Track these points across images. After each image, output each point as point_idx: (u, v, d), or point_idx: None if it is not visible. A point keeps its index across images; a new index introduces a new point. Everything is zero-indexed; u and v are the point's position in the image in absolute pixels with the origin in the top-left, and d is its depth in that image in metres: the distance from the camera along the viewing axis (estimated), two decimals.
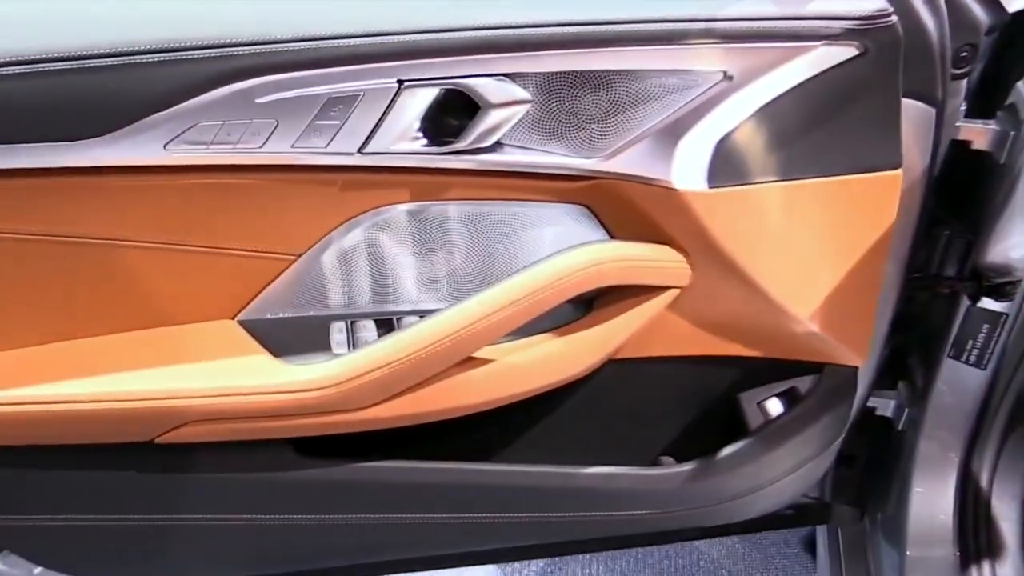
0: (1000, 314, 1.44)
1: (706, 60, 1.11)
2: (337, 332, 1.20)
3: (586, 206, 1.21)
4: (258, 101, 1.05)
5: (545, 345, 1.22)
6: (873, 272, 1.31)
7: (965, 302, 1.46)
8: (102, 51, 1.00)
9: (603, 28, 1.09)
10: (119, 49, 1.01)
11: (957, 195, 1.42)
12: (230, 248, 1.15)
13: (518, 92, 1.10)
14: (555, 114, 1.14)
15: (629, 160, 1.16)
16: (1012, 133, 1.32)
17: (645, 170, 1.16)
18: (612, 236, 1.23)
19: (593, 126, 1.15)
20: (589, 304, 1.27)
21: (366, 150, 1.10)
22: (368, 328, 1.21)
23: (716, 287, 1.26)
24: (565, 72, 1.12)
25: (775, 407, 1.41)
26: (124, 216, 1.11)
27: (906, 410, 1.62)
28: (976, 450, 1.55)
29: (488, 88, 1.09)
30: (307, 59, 1.04)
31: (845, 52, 1.13)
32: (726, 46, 1.11)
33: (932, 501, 1.58)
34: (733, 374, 1.41)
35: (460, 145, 1.12)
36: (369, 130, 1.09)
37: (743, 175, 1.18)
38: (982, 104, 1.39)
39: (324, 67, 1.05)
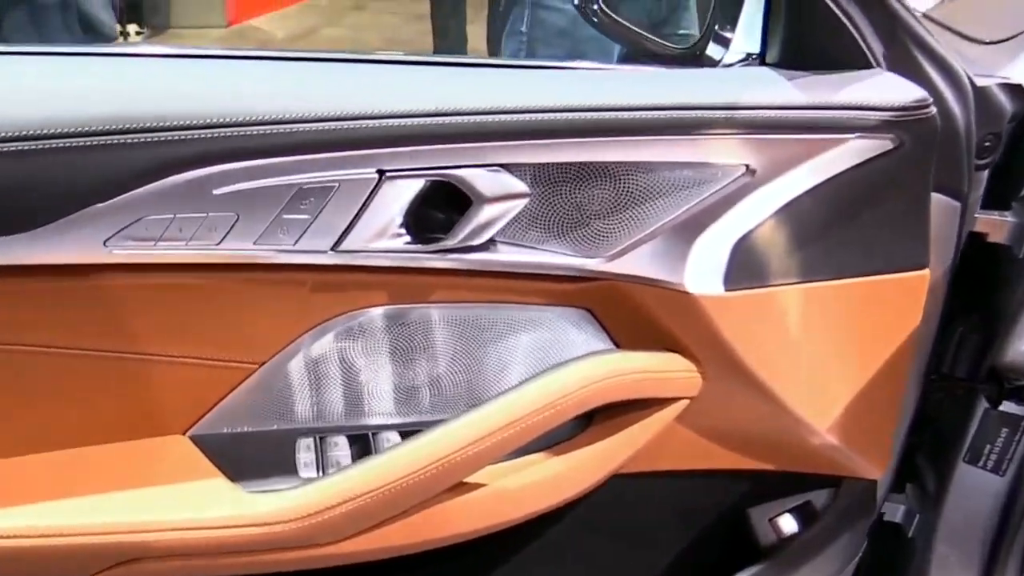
0: (1021, 418, 1.28)
1: (727, 152, 0.96)
2: (304, 450, 1.01)
3: (588, 310, 1.05)
4: (216, 192, 0.87)
5: (542, 465, 1.04)
6: (895, 379, 1.16)
7: (982, 403, 1.30)
8: (28, 132, 0.83)
9: (611, 116, 0.93)
10: (49, 130, 0.83)
11: (971, 289, 1.27)
12: (181, 356, 0.97)
13: (515, 185, 0.94)
14: (556, 209, 0.98)
15: (637, 261, 1.00)
16: None
17: (655, 272, 1.00)
18: (615, 343, 1.06)
19: (598, 223, 0.98)
20: (589, 415, 1.09)
21: (341, 248, 0.93)
22: (340, 445, 1.02)
23: (728, 397, 1.10)
24: (567, 164, 0.95)
25: (788, 524, 1.24)
26: (57, 320, 0.92)
27: (917, 516, 1.45)
28: (996, 564, 1.37)
29: (481, 180, 0.92)
30: (273, 145, 0.87)
31: (879, 145, 0.98)
32: (749, 137, 0.95)
33: None
34: (743, 488, 1.24)
35: (448, 243, 0.95)
36: (344, 226, 0.92)
37: (762, 277, 1.02)
38: (997, 194, 1.25)
39: (293, 154, 0.88)
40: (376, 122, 0.89)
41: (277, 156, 0.88)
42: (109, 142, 0.84)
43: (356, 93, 0.93)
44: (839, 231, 1.04)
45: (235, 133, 0.87)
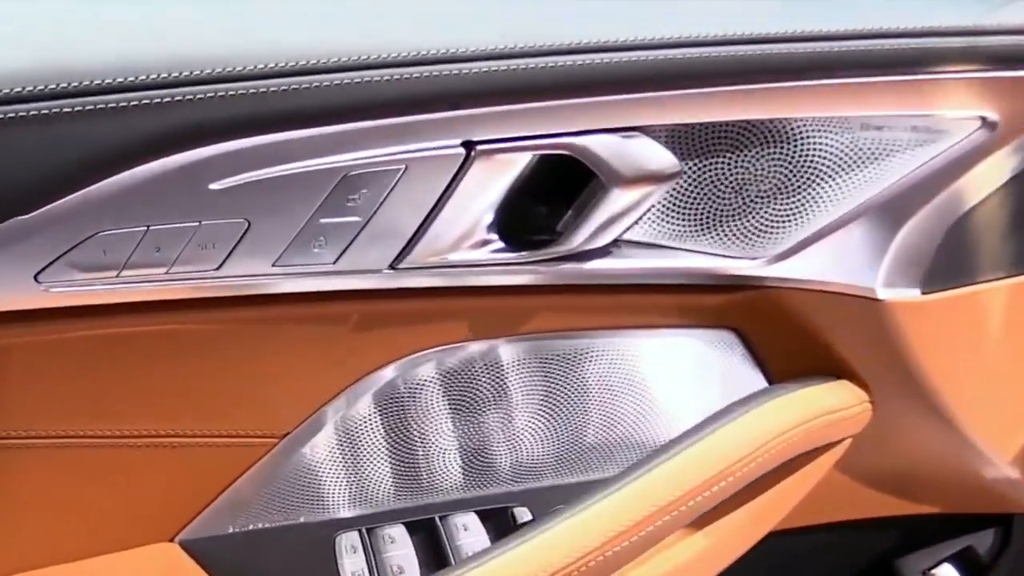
0: None
1: (958, 100, 0.65)
2: (349, 552, 0.68)
3: (734, 330, 0.73)
4: (213, 187, 0.53)
5: (702, 534, 0.73)
6: None
7: None
8: None
9: (797, 50, 0.60)
10: None
11: None
12: (166, 435, 0.63)
13: (661, 156, 0.61)
14: (707, 191, 0.66)
15: (815, 260, 0.69)
16: None
17: (839, 274, 0.69)
18: (767, 374, 0.75)
19: (764, 209, 0.67)
20: None
21: (404, 264, 0.60)
22: (397, 541, 0.70)
23: (897, 430, 0.81)
24: (729, 123, 0.63)
25: None
26: None
27: None
28: None
29: (614, 150, 0.60)
30: (301, 108, 0.53)
31: None
32: (991, 75, 0.64)
33: None
34: (892, 537, 0.95)
35: (562, 247, 0.62)
36: (412, 230, 0.59)
37: (966, 273, 0.73)
38: None
39: (333, 121, 0.54)
40: (461, 67, 0.56)
41: (308, 126, 0.54)
42: (31, 112, 0.49)
43: (424, 24, 0.59)
44: None
45: (240, 91, 0.53)
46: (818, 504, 0.85)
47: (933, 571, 0.96)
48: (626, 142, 0.61)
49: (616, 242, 0.66)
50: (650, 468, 0.65)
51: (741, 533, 0.79)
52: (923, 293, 0.72)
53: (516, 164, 0.60)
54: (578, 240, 0.63)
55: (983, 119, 0.66)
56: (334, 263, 0.59)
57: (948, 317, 0.75)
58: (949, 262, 0.72)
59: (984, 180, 0.68)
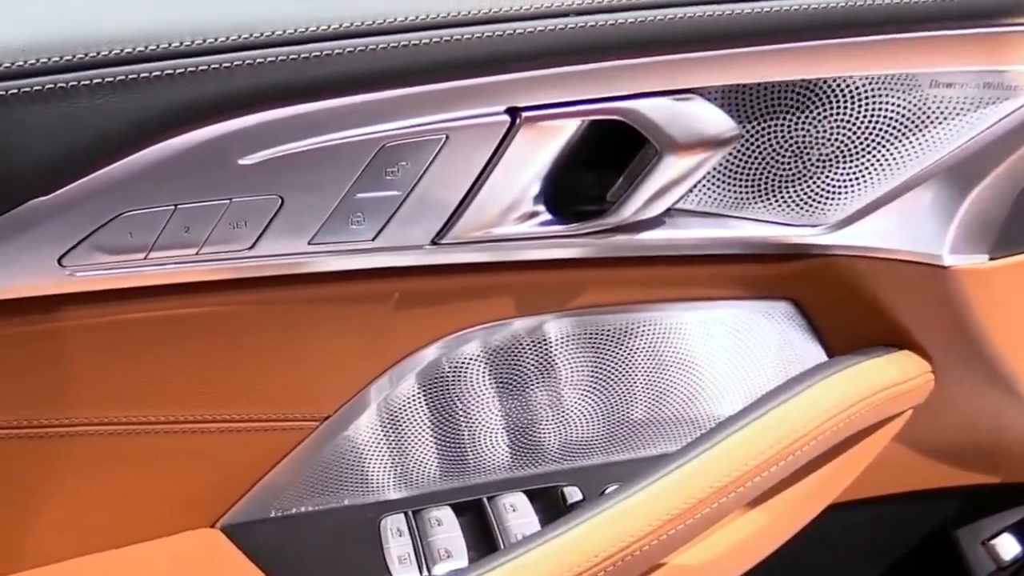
0: None
1: None
2: (395, 535, 0.65)
3: (793, 300, 0.67)
4: (243, 162, 0.49)
5: (764, 508, 0.68)
6: None
7: None
8: None
9: (859, 1, 0.54)
10: None
11: None
12: (204, 420, 0.59)
13: (718, 120, 0.56)
14: (765, 157, 0.60)
15: (879, 226, 0.63)
16: None
17: (904, 240, 0.63)
18: (827, 346, 0.70)
19: (825, 174, 0.61)
20: None
21: (447, 238, 0.55)
22: (445, 523, 0.65)
23: (959, 400, 0.75)
24: (789, 84, 0.57)
25: (1009, 547, 0.89)
26: (8, 388, 0.54)
27: None
28: None
29: (668, 114, 0.54)
30: (335, 74, 0.49)
31: None
32: None
33: None
34: (949, 507, 0.90)
35: (613, 218, 0.57)
36: (456, 203, 0.54)
37: None
38: None
39: (368, 89, 0.49)
40: (504, 27, 0.50)
41: (341, 94, 0.49)
42: (46, 86, 0.45)
43: None
44: None
45: (267, 58, 0.48)
46: (877, 477, 0.80)
47: (992, 541, 0.90)
48: (681, 105, 0.55)
49: (669, 211, 0.60)
50: (710, 446, 0.60)
51: (800, 508, 0.74)
52: (991, 259, 0.66)
53: (564, 131, 0.54)
54: (630, 210, 0.58)
55: None
56: (373, 239, 0.54)
57: (1016, 284, 0.69)
58: (1019, 227, 0.66)
59: None
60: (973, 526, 0.91)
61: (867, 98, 0.59)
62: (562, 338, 0.65)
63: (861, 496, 0.82)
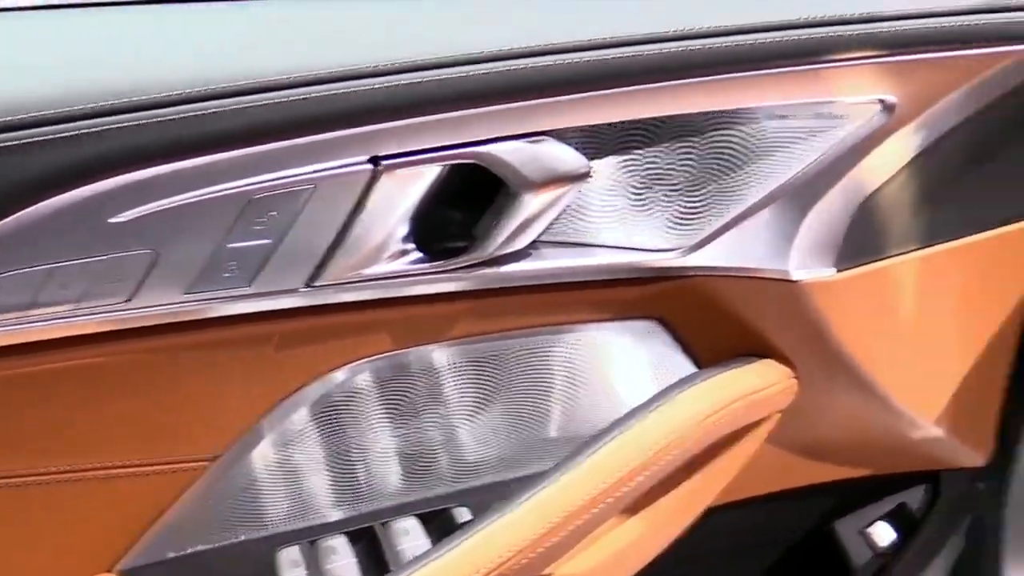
0: None
1: (857, 84, 0.64)
2: (290, 567, 0.66)
3: (657, 319, 0.72)
4: (115, 220, 0.51)
5: (638, 519, 0.72)
6: (1005, 348, 0.88)
7: None
8: None
9: (701, 46, 0.59)
10: None
11: None
12: (94, 468, 0.60)
13: (570, 159, 0.59)
14: (621, 188, 0.64)
15: (731, 247, 0.68)
16: None
17: (753, 259, 0.68)
18: (694, 358, 0.74)
19: (678, 202, 0.65)
20: None
21: (320, 281, 0.58)
22: (340, 551, 0.68)
23: (824, 402, 0.81)
24: (638, 122, 0.62)
25: (884, 534, 0.95)
26: None
27: (980, 485, 1.19)
28: None
29: (522, 156, 0.58)
30: (201, 134, 0.51)
31: None
32: (888, 61, 0.63)
33: None
34: (827, 502, 0.95)
35: (477, 253, 0.61)
36: (325, 247, 0.56)
37: (878, 248, 0.72)
38: None
39: (236, 145, 0.52)
40: (363, 83, 0.53)
41: (208, 152, 0.52)
42: None
43: (322, 41, 0.56)
44: (972, 178, 0.74)
45: (137, 121, 0.50)
46: (753, 477, 0.85)
47: (868, 529, 0.96)
48: (533, 147, 0.59)
49: (534, 244, 0.64)
50: (579, 461, 0.64)
51: (678, 513, 0.78)
52: (838, 271, 0.71)
53: (425, 176, 0.57)
54: (494, 246, 0.61)
55: (882, 102, 0.65)
56: (248, 286, 0.57)
57: (863, 291, 0.74)
58: (860, 240, 0.71)
59: (886, 160, 0.68)
60: (850, 517, 0.97)
61: (710, 132, 0.64)
62: (444, 367, 0.68)
63: (740, 497, 0.87)
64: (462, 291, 0.64)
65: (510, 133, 0.58)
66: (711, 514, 0.84)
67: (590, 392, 0.74)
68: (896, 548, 0.95)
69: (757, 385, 0.73)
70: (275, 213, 0.55)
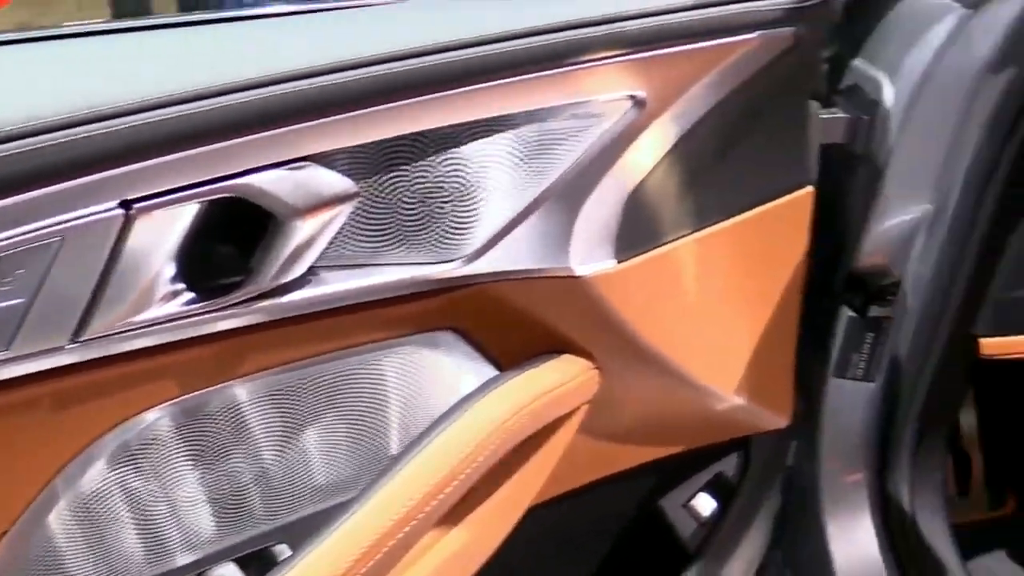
0: (883, 319, 1.11)
1: (606, 82, 0.67)
2: None
3: (452, 329, 0.73)
4: None
5: (455, 532, 0.73)
6: (789, 313, 0.94)
7: (844, 313, 1.12)
8: None
9: (445, 60, 0.61)
10: None
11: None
12: None
13: (333, 182, 0.60)
14: (391, 206, 0.65)
15: (509, 251, 0.70)
16: (866, 117, 0.99)
17: (533, 260, 0.70)
18: (495, 361, 0.76)
19: (451, 213, 0.67)
20: None
21: (86, 335, 0.55)
22: None
23: (628, 387, 0.84)
24: (396, 139, 0.63)
25: (706, 504, 0.99)
26: None
27: (793, 443, 1.26)
28: (888, 469, 1.21)
29: (283, 185, 0.58)
30: None
31: (779, 43, 0.72)
32: (633, 58, 0.66)
33: (851, 537, 1.23)
34: (650, 481, 0.98)
35: (251, 288, 0.60)
36: (85, 301, 0.54)
37: (655, 236, 0.76)
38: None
39: None
40: (105, 125, 0.52)
41: None
42: None
43: (59, 82, 0.54)
44: (732, 160, 0.79)
45: None
46: (573, 468, 0.87)
47: (691, 503, 1.00)
48: (295, 174, 0.59)
49: (313, 270, 0.64)
50: (385, 481, 0.64)
51: (501, 516, 0.79)
52: (618, 262, 0.74)
53: (183, 215, 0.56)
54: (268, 277, 0.60)
55: (632, 98, 0.68)
56: (8, 349, 0.54)
57: (645, 278, 0.78)
58: (635, 230, 0.74)
59: (646, 153, 0.71)
60: (673, 493, 1.00)
61: (473, 140, 0.66)
62: (240, 405, 0.67)
63: (564, 489, 0.89)
64: (245, 326, 0.63)
65: (269, 162, 0.57)
66: (539, 510, 0.86)
67: (398, 410, 0.74)
68: (717, 516, 1.00)
69: (557, 381, 0.75)
70: (23, 271, 0.52)
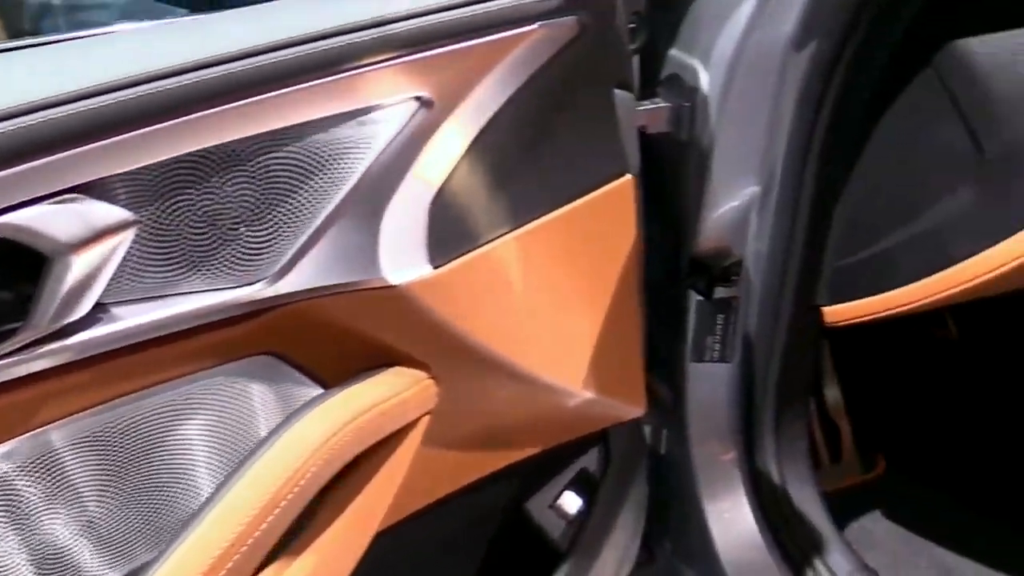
0: (731, 299, 1.13)
1: (390, 86, 0.66)
2: None
3: (270, 353, 0.70)
4: None
5: (295, 567, 0.70)
6: (629, 302, 0.95)
7: (693, 298, 1.14)
8: None
9: (215, 74, 0.59)
10: None
11: (650, 187, 1.10)
12: None
13: (108, 213, 0.57)
14: (179, 231, 0.62)
15: (315, 267, 0.68)
16: (687, 105, 1.02)
17: (343, 273, 0.69)
18: (320, 382, 0.73)
19: (246, 233, 0.64)
20: None
21: None
22: None
23: (470, 393, 0.83)
24: (173, 160, 0.60)
25: (572, 503, 0.99)
26: None
27: (664, 431, 1.28)
28: (755, 447, 1.24)
29: (52, 221, 0.55)
30: None
31: (563, 33, 0.73)
32: (414, 58, 0.65)
33: (729, 517, 1.25)
34: (513, 486, 0.97)
35: (31, 332, 0.57)
36: None
37: (470, 237, 0.76)
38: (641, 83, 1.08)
39: None
40: None
41: None
42: None
43: None
44: (542, 154, 0.79)
45: None
46: (427, 482, 0.86)
47: (557, 502, 0.99)
48: (62, 208, 0.56)
49: (101, 306, 0.61)
50: (201, 518, 0.61)
51: (350, 540, 0.76)
52: (435, 268, 0.73)
53: None
54: (47, 319, 0.57)
55: (419, 99, 0.67)
56: None
57: (469, 281, 0.77)
58: (448, 234, 0.73)
59: (443, 153, 0.70)
60: (538, 495, 1.00)
61: (258, 156, 0.64)
62: (47, 453, 0.63)
63: (421, 505, 0.87)
64: (33, 373, 0.59)
65: (30, 197, 0.54)
66: (399, 529, 0.84)
67: (220, 443, 0.71)
68: (584, 512, 0.99)
69: (385, 394, 0.74)
70: None
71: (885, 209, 1.06)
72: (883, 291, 1.05)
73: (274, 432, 0.66)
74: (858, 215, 1.09)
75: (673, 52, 1.08)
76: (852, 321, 1.11)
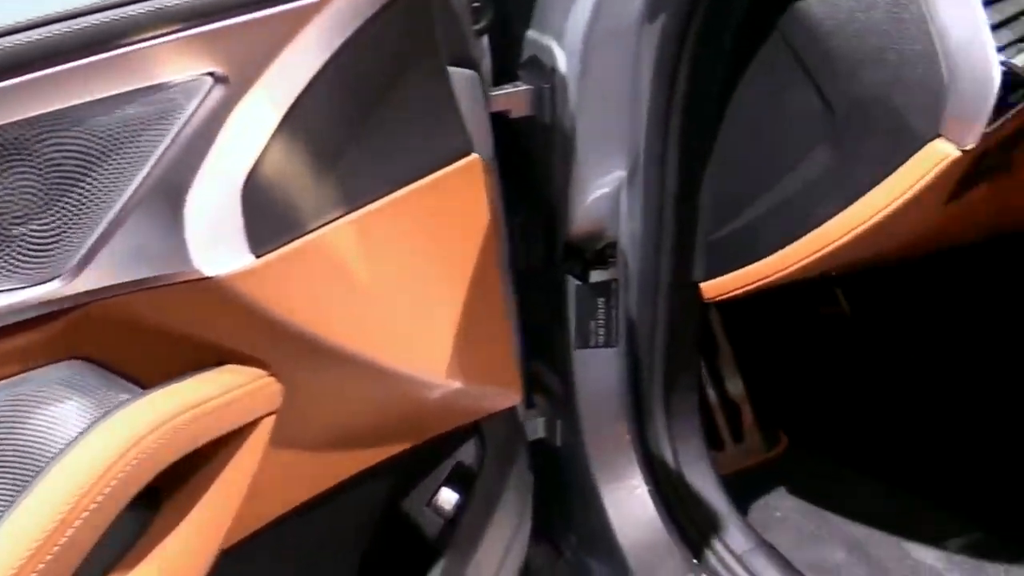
0: (610, 282, 1.12)
1: (177, 62, 0.61)
2: None
3: (78, 358, 0.65)
4: None
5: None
6: (492, 285, 0.92)
7: (571, 284, 1.12)
8: None
9: None
10: None
11: (518, 175, 1.07)
12: None
13: None
14: None
15: (114, 262, 0.63)
16: (547, 87, 1.00)
17: (149, 266, 0.64)
18: (140, 384, 0.68)
19: (32, 227, 0.59)
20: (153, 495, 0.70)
21: None
22: None
23: (320, 390, 0.79)
24: None
25: (448, 499, 0.95)
26: None
27: (558, 422, 1.25)
28: (647, 428, 1.22)
29: None
30: None
31: (370, 3, 0.69)
32: (201, 31, 0.61)
33: (626, 502, 1.23)
34: (388, 485, 0.93)
35: None
36: None
37: (297, 223, 0.71)
38: (501, 67, 1.06)
39: None
40: None
41: None
42: None
43: None
44: (369, 133, 0.75)
45: None
46: (284, 487, 0.81)
47: (435, 499, 0.96)
48: None
49: None
50: None
51: (197, 553, 0.71)
52: (257, 257, 0.68)
53: None
54: None
55: (212, 75, 0.63)
56: None
57: (301, 269, 0.72)
58: (268, 220, 0.69)
59: (248, 133, 0.66)
60: (413, 494, 0.96)
61: (35, 142, 0.59)
62: None
63: (280, 512, 0.82)
64: None
65: None
66: (271, 533, 0.79)
67: (27, 460, 0.65)
68: (462, 508, 0.95)
69: (211, 393, 0.69)
70: None
71: (748, 179, 1.05)
72: (751, 263, 1.03)
73: (80, 436, 0.61)
74: (724, 187, 1.08)
75: (530, 34, 1.05)
76: (729, 295, 1.10)
